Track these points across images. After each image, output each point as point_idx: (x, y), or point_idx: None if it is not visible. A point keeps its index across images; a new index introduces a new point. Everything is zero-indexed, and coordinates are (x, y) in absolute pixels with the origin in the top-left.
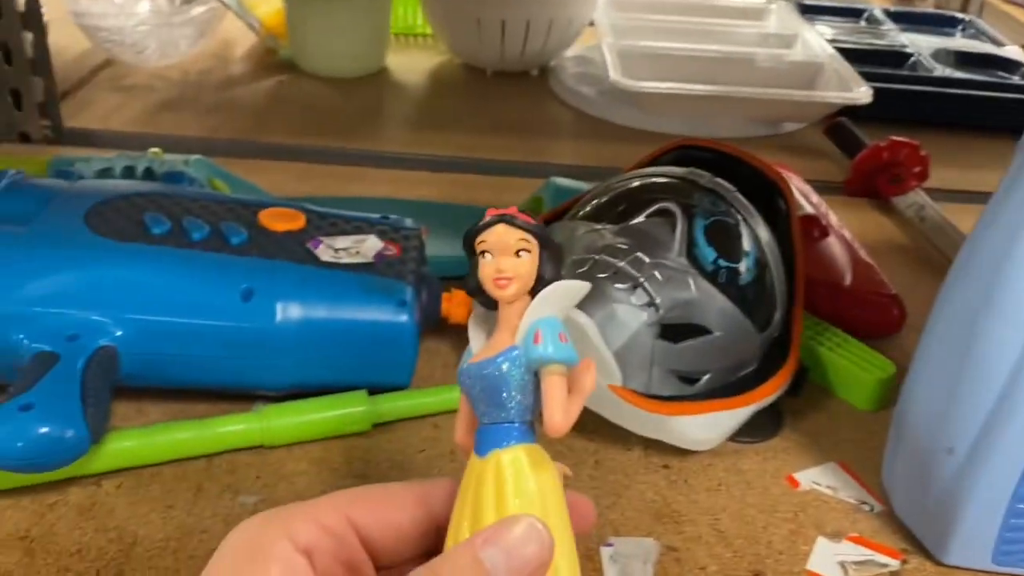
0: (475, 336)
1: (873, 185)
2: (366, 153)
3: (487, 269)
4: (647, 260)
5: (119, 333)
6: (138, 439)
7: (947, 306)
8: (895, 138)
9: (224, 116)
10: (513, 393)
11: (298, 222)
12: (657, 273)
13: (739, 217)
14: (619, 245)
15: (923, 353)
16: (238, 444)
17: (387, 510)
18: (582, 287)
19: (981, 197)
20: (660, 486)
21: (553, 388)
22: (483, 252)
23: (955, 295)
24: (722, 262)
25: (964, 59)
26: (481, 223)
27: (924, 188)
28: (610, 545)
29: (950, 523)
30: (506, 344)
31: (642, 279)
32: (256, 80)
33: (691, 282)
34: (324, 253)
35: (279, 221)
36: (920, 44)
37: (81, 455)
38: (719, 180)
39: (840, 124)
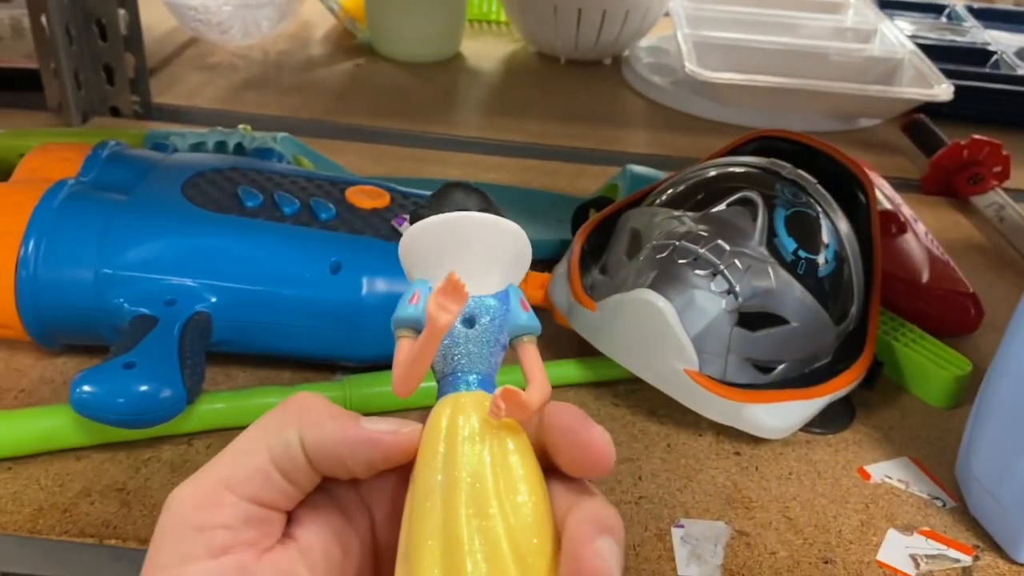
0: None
1: (951, 184)
2: (440, 136)
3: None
4: (728, 248)
5: (213, 300)
6: (228, 401)
7: None
8: (976, 136)
9: (304, 96)
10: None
11: (383, 200)
12: (737, 261)
13: (819, 209)
14: (700, 232)
15: (1010, 349)
16: None
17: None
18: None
19: None
20: (731, 472)
21: (527, 355)
22: None
23: None
24: (802, 253)
25: None
26: None
27: (1004, 188)
28: (681, 527)
29: None
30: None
31: (722, 266)
32: (335, 62)
33: (770, 272)
34: None
35: (365, 199)
36: (1003, 42)
37: (178, 414)
38: (800, 171)
39: (918, 121)
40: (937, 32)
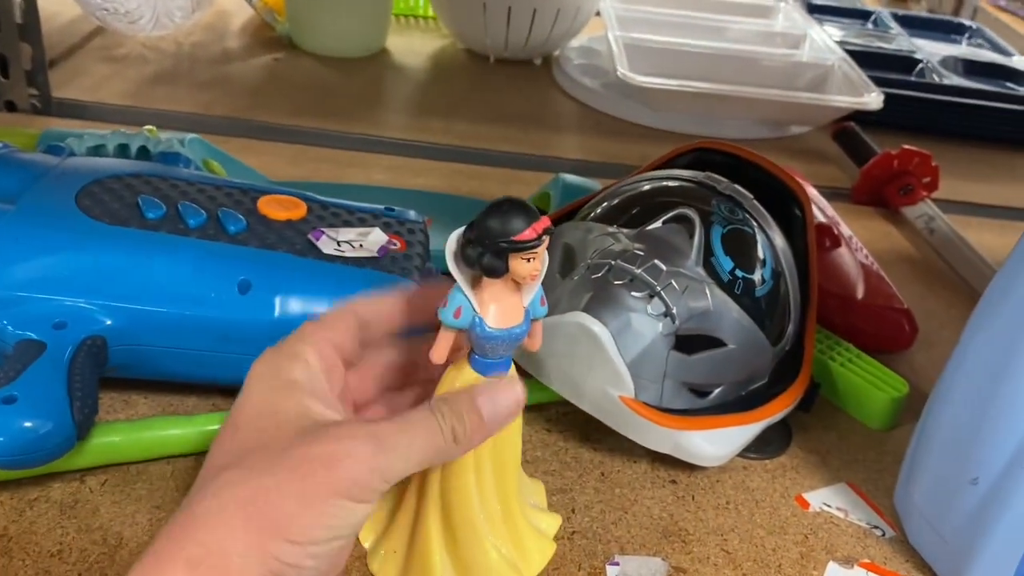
0: (462, 281)
1: (882, 194)
2: (364, 138)
3: (527, 268)
4: (664, 268)
5: (109, 322)
6: (125, 434)
7: (979, 334)
8: (907, 147)
9: (218, 92)
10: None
11: (299, 211)
12: (674, 282)
13: (756, 225)
14: (636, 251)
15: (951, 380)
16: None
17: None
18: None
19: (988, 210)
20: (667, 502)
21: (538, 328)
22: (525, 257)
23: (989, 324)
24: (739, 272)
25: (972, 68)
26: (527, 239)
27: (933, 199)
28: (616, 564)
29: (968, 555)
30: (519, 310)
31: (659, 288)
32: (252, 56)
33: (708, 292)
34: (326, 245)
35: (279, 209)
36: (928, 51)
37: (66, 451)
38: (737, 186)
39: (849, 129)
40: (864, 39)
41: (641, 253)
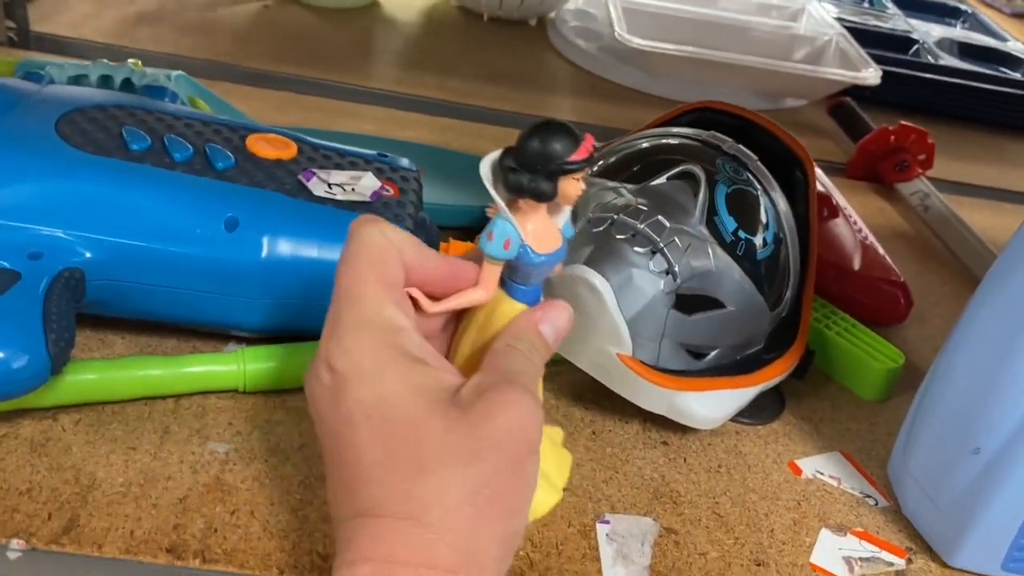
0: (506, 210)
1: (877, 169)
2: (354, 88)
3: (575, 188)
4: (668, 224)
5: (88, 255)
6: (101, 372)
7: (986, 306)
8: (904, 123)
9: (203, 36)
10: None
11: (290, 151)
12: (677, 239)
13: (760, 187)
14: (639, 206)
15: (955, 350)
16: (213, 387)
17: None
18: None
19: (979, 191)
20: (659, 463)
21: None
22: (575, 178)
23: (997, 297)
24: (742, 234)
25: (967, 50)
26: (580, 158)
27: (927, 177)
28: (607, 522)
29: (964, 525)
30: (557, 233)
31: (662, 244)
32: (239, 1)
33: (710, 252)
34: (317, 187)
35: (269, 148)
36: (923, 31)
37: (39, 385)
38: (741, 147)
39: (845, 104)
40: (860, 16)
41: (644, 208)
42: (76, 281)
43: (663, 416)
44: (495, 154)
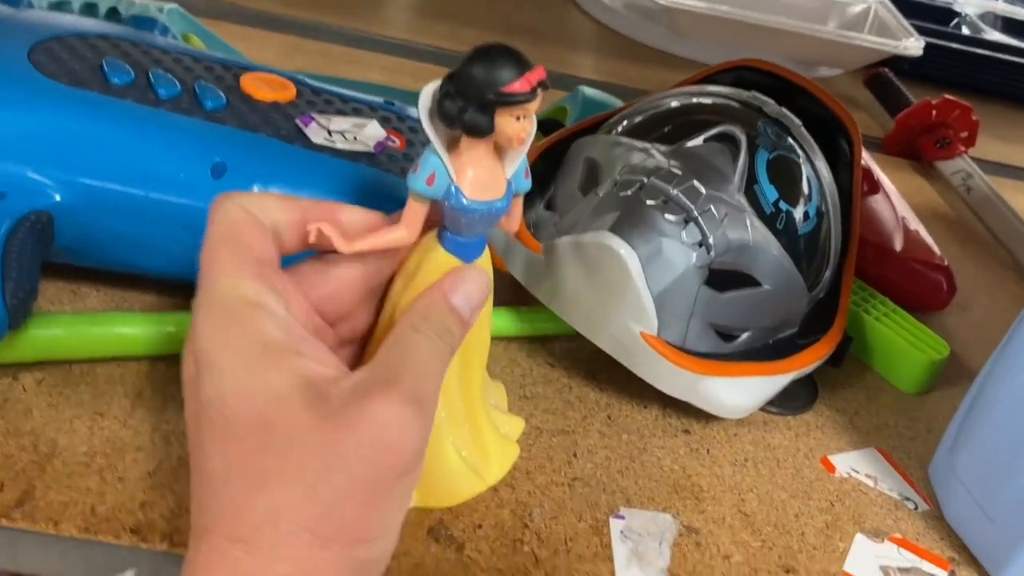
0: (437, 142)
1: (916, 145)
2: (363, 34)
3: (515, 128)
4: (704, 191)
5: (58, 198)
6: (68, 327)
7: None
8: (948, 96)
9: None
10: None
11: (287, 93)
12: (713, 208)
13: (803, 155)
14: (672, 169)
15: (1019, 341)
16: None
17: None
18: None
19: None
20: (679, 454)
21: (518, 205)
22: (515, 114)
23: None
24: (783, 205)
25: (1011, 25)
26: (520, 91)
27: (970, 157)
28: (621, 517)
29: (1018, 538)
30: (501, 181)
31: (696, 213)
32: None
33: (748, 224)
34: (316, 134)
35: (265, 89)
36: (965, 3)
37: None
38: (784, 110)
39: (883, 76)
40: None
41: (678, 172)
42: (43, 226)
43: (685, 402)
44: (438, 81)
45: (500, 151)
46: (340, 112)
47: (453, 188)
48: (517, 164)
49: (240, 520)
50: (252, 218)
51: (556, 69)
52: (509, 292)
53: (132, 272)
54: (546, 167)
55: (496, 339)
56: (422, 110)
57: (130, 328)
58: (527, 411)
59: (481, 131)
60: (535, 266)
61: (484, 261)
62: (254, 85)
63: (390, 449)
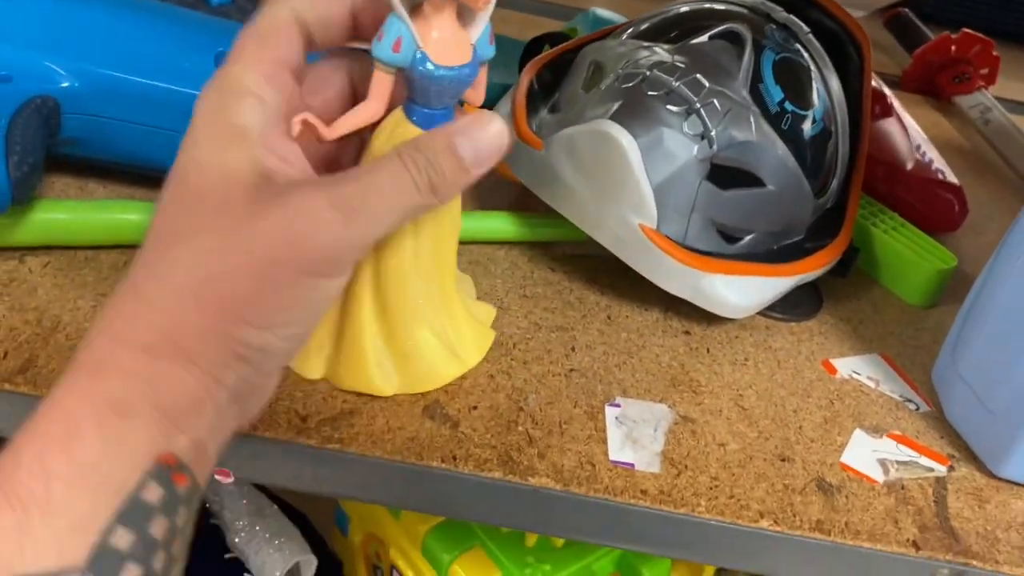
0: (400, 7)
1: (934, 81)
2: None
3: None
4: (707, 85)
5: (65, 84)
6: (74, 212)
7: None
8: (968, 31)
9: None
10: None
11: None
12: (716, 102)
13: (811, 61)
14: (676, 63)
15: (1016, 243)
16: None
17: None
18: None
19: None
20: (679, 352)
21: (483, 74)
22: None
23: None
24: (788, 106)
25: None
26: None
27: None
28: (617, 405)
29: (1017, 432)
30: (467, 46)
31: (698, 104)
32: None
33: (752, 120)
34: None
35: None
36: None
37: (0, 210)
38: (793, 17)
39: (903, 15)
40: None
41: (682, 66)
42: (49, 110)
43: (688, 305)
44: None
45: (464, 17)
46: None
47: (419, 54)
48: (481, 29)
49: (144, 271)
50: (292, 20)
51: (569, 2)
52: (514, 199)
53: (137, 165)
54: (554, 77)
55: (497, 244)
56: None
57: (133, 215)
58: (526, 309)
59: None
60: (537, 165)
61: None
62: None
63: (295, 239)
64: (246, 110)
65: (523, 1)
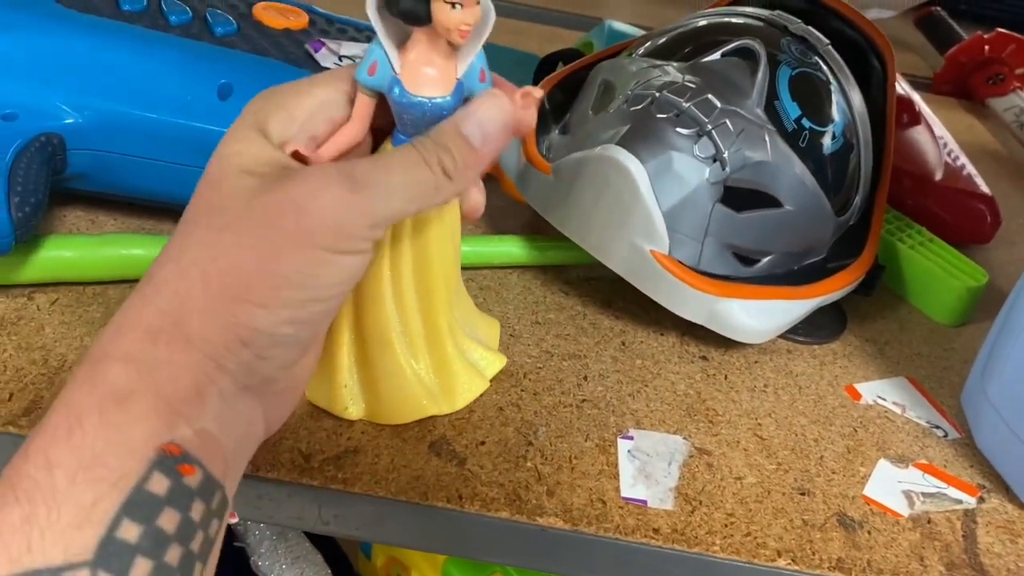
0: (382, 33)
1: (968, 83)
2: None
3: (451, 18)
4: (719, 105)
5: (69, 121)
6: (81, 248)
7: None
8: (1001, 30)
9: None
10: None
11: (300, 21)
12: (728, 122)
13: (831, 75)
14: (687, 83)
15: None
16: None
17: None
18: (491, 15)
19: None
20: (695, 379)
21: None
22: (450, 1)
23: None
24: (806, 123)
25: None
26: None
27: None
28: (629, 438)
29: None
30: (449, 79)
31: (710, 126)
32: None
33: (767, 140)
34: (325, 59)
35: (278, 17)
36: None
37: (2, 251)
38: (811, 28)
39: (935, 15)
40: None
41: (693, 86)
42: (54, 148)
43: (706, 331)
44: None
45: (449, 45)
46: (353, 40)
47: (393, 79)
48: (469, 62)
49: (162, 257)
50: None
51: (588, 12)
52: (525, 222)
53: (145, 198)
54: (567, 96)
55: (510, 268)
56: (368, 2)
57: (140, 250)
58: (538, 336)
59: (417, 18)
60: (547, 189)
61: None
62: (267, 14)
63: (299, 205)
64: (267, 117)
65: (541, 12)
